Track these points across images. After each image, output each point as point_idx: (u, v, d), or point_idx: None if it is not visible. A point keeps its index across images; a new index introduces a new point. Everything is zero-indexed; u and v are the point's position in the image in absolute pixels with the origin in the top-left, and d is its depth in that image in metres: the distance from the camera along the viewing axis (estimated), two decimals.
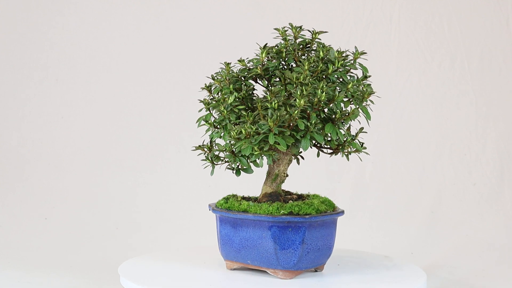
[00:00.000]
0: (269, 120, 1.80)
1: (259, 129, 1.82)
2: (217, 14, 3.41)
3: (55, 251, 2.88)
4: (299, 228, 1.87)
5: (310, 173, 3.18)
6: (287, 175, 1.98)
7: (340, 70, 1.92)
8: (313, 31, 1.98)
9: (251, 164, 1.93)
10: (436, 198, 3.18)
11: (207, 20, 3.40)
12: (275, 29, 2.00)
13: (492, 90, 3.29)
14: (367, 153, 1.98)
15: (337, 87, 1.91)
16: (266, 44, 1.99)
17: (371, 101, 1.94)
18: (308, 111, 1.85)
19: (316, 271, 1.99)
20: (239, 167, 1.94)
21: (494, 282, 2.62)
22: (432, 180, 3.22)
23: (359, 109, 1.91)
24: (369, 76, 1.98)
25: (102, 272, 2.62)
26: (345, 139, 1.94)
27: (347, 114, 1.89)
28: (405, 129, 3.29)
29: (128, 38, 3.42)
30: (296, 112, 1.80)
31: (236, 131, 1.84)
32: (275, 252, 1.89)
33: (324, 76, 1.92)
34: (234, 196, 2.02)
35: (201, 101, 1.97)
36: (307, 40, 1.98)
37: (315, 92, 1.84)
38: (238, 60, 2.00)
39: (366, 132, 1.97)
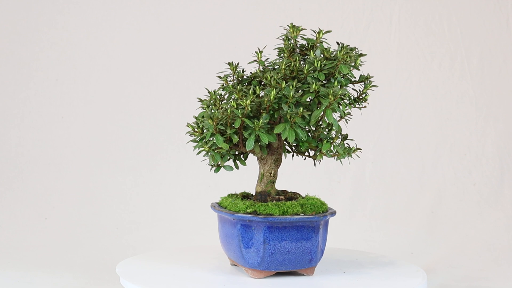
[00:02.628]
0: (208, 118, 1.84)
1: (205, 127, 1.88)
2: (217, 14, 3.41)
3: (55, 251, 2.88)
4: (260, 227, 1.89)
5: (311, 173, 3.18)
6: (273, 175, 1.98)
7: (319, 70, 1.90)
8: (318, 31, 1.97)
9: (238, 162, 1.98)
10: (436, 198, 3.18)
11: (207, 20, 3.40)
12: (284, 29, 2.00)
13: (492, 90, 3.30)
14: (351, 157, 1.97)
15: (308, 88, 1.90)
16: (291, 46, 1.99)
17: (348, 104, 1.91)
18: (261, 110, 1.88)
19: (303, 274, 1.97)
20: (219, 164, 1.96)
21: (494, 282, 2.62)
22: (432, 180, 3.22)
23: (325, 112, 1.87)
24: (370, 77, 1.97)
25: (102, 272, 2.63)
26: (317, 141, 1.93)
27: (296, 115, 1.85)
28: (405, 129, 3.29)
29: (128, 38, 3.42)
30: (229, 111, 1.83)
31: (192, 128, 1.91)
32: (240, 250, 1.92)
33: (302, 77, 1.92)
34: (235, 194, 2.03)
35: (199, 100, 1.97)
36: (312, 41, 1.98)
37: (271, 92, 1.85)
38: (255, 61, 2.00)
39: (345, 134, 1.95)
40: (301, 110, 1.84)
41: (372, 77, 1.98)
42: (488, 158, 3.23)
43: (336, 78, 1.91)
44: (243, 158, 2.02)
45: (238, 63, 2.00)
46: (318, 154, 1.93)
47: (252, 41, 3.00)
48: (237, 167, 2.00)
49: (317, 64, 1.90)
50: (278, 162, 1.99)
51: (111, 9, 3.43)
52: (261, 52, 2.00)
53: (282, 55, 1.99)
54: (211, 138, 1.89)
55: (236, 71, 2.00)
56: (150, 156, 3.32)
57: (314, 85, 1.85)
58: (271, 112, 1.88)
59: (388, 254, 2.48)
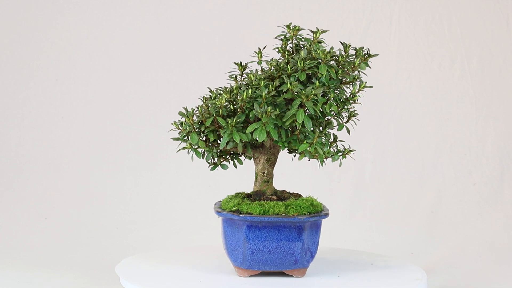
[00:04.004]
0: (185, 116, 1.90)
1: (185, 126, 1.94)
2: (217, 14, 3.41)
3: (55, 251, 2.88)
4: (241, 226, 1.91)
5: (311, 173, 3.18)
6: (266, 175, 1.98)
7: (302, 70, 1.89)
8: (316, 31, 1.97)
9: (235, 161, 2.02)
10: (436, 198, 3.18)
11: (207, 20, 3.40)
12: (282, 31, 2.00)
13: (492, 90, 3.30)
14: (344, 158, 1.96)
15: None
16: (294, 46, 1.99)
17: (335, 104, 1.90)
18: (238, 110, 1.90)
19: (292, 276, 1.96)
20: (215, 162, 2.00)
21: (494, 282, 2.62)
22: (432, 180, 3.22)
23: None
24: (358, 78, 1.95)
25: (102, 272, 2.63)
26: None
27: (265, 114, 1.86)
28: (405, 129, 3.29)
29: (128, 38, 3.42)
30: (200, 109, 1.90)
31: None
32: (226, 247, 1.96)
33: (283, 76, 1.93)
34: (241, 193, 2.05)
35: (201, 99, 1.98)
36: (309, 41, 1.98)
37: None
38: (267, 61, 2.00)
39: (335, 136, 1.95)
40: (269, 110, 1.84)
41: (360, 77, 1.96)
42: (488, 158, 3.23)
43: (319, 78, 1.89)
44: (243, 157, 2.03)
45: (247, 64, 2.00)
46: (299, 154, 1.93)
47: (252, 41, 2.99)
48: (235, 166, 2.02)
49: (300, 63, 1.89)
50: (271, 161, 1.99)
51: (111, 9, 3.43)
52: (260, 52, 2.00)
53: (282, 55, 1.99)
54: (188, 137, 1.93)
55: (245, 71, 2.00)
56: (150, 156, 3.31)
57: (288, 85, 1.85)
58: (247, 111, 1.89)
59: (388, 254, 2.48)
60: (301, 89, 1.84)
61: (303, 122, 1.84)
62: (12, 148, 3.36)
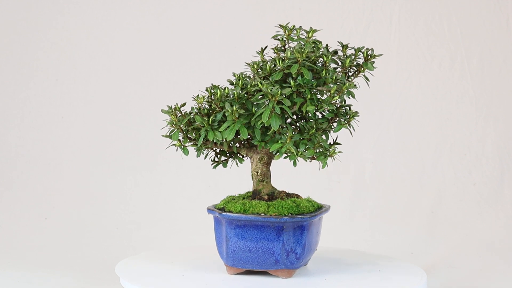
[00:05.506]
0: (170, 114, 1.99)
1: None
2: (217, 14, 3.41)
3: (55, 251, 2.88)
4: (223, 224, 1.94)
5: (311, 173, 3.18)
6: (260, 174, 1.98)
7: (281, 70, 1.89)
8: (309, 30, 1.97)
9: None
10: (436, 198, 3.18)
11: (207, 20, 3.40)
12: (277, 32, 2.00)
13: (492, 90, 3.30)
14: (333, 159, 1.95)
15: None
16: (299, 46, 1.99)
17: (313, 105, 1.89)
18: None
19: (277, 276, 1.96)
20: (217, 161, 2.03)
21: (494, 282, 2.62)
22: (432, 180, 3.22)
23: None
24: (338, 78, 1.93)
25: (102, 272, 2.63)
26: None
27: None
28: (405, 129, 3.29)
29: (128, 38, 3.42)
30: (180, 107, 1.95)
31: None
32: (216, 244, 1.99)
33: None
34: (249, 191, 2.05)
35: (193, 97, 1.99)
36: (303, 40, 1.98)
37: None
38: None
39: (317, 137, 1.94)
40: (235, 109, 1.84)
41: (339, 78, 1.94)
42: (488, 158, 3.23)
43: (296, 77, 1.89)
44: (246, 157, 2.04)
45: (259, 63, 2.01)
46: (276, 154, 1.93)
47: (252, 41, 3.00)
48: (236, 164, 2.03)
49: (279, 62, 1.89)
50: (263, 161, 1.98)
51: (111, 9, 3.43)
52: (262, 52, 2.00)
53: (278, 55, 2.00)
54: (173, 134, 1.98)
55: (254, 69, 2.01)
56: (150, 156, 3.32)
57: (259, 84, 1.85)
58: (224, 110, 1.91)
59: (388, 254, 2.48)
60: (270, 89, 1.84)
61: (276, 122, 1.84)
62: (12, 148, 3.36)
